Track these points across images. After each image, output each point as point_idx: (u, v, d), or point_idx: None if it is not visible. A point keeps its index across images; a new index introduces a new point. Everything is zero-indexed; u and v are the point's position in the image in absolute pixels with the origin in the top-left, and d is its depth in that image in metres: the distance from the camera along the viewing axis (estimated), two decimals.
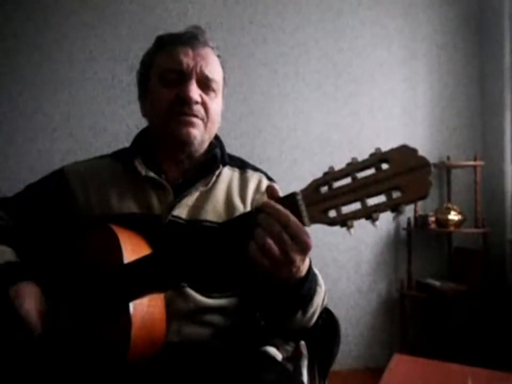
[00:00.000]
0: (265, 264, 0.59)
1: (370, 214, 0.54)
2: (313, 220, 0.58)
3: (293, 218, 0.57)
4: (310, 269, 0.69)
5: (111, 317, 0.69)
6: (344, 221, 0.56)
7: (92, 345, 0.70)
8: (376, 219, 0.54)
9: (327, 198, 0.57)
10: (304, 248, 0.59)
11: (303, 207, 0.58)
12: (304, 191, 0.59)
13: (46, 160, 2.27)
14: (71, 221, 0.85)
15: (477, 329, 2.25)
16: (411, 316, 2.43)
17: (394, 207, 0.54)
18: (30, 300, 0.72)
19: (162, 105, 0.84)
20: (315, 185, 0.58)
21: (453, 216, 2.30)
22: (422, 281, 2.37)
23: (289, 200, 0.59)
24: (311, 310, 0.74)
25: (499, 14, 2.42)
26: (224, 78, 0.93)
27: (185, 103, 0.83)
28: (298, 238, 0.58)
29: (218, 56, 0.91)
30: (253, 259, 0.59)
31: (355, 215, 0.55)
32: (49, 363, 0.71)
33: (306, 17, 2.50)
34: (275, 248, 0.58)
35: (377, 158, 0.55)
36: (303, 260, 0.63)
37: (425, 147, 2.50)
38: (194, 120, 0.85)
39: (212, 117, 0.88)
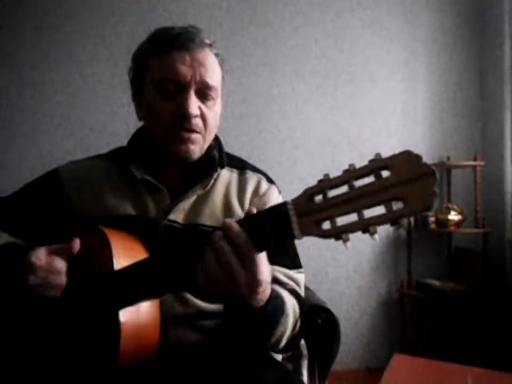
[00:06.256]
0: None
1: (367, 227, 0.50)
2: (305, 232, 0.54)
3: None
4: (269, 299, 0.68)
5: (100, 325, 0.68)
6: (339, 234, 0.52)
7: (80, 353, 0.69)
8: (374, 232, 0.50)
9: (320, 209, 0.52)
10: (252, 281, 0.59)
11: (294, 218, 0.54)
12: (296, 200, 0.54)
13: (46, 160, 2.27)
14: (65, 222, 0.84)
15: (477, 329, 2.25)
16: (411, 316, 2.43)
17: (395, 220, 0.49)
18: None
19: (160, 118, 0.82)
20: (308, 194, 0.53)
21: (453, 216, 2.30)
22: (422, 281, 2.37)
23: (279, 211, 0.55)
24: (273, 339, 0.74)
25: (499, 14, 2.41)
26: (222, 77, 0.89)
27: (184, 118, 0.81)
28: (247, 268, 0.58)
29: (217, 55, 0.87)
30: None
31: (351, 228, 0.51)
32: (36, 371, 0.70)
33: (306, 17, 2.49)
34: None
35: (377, 164, 0.50)
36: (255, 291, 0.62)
37: (425, 147, 2.51)
38: (194, 136, 0.83)
39: (210, 127, 0.86)
